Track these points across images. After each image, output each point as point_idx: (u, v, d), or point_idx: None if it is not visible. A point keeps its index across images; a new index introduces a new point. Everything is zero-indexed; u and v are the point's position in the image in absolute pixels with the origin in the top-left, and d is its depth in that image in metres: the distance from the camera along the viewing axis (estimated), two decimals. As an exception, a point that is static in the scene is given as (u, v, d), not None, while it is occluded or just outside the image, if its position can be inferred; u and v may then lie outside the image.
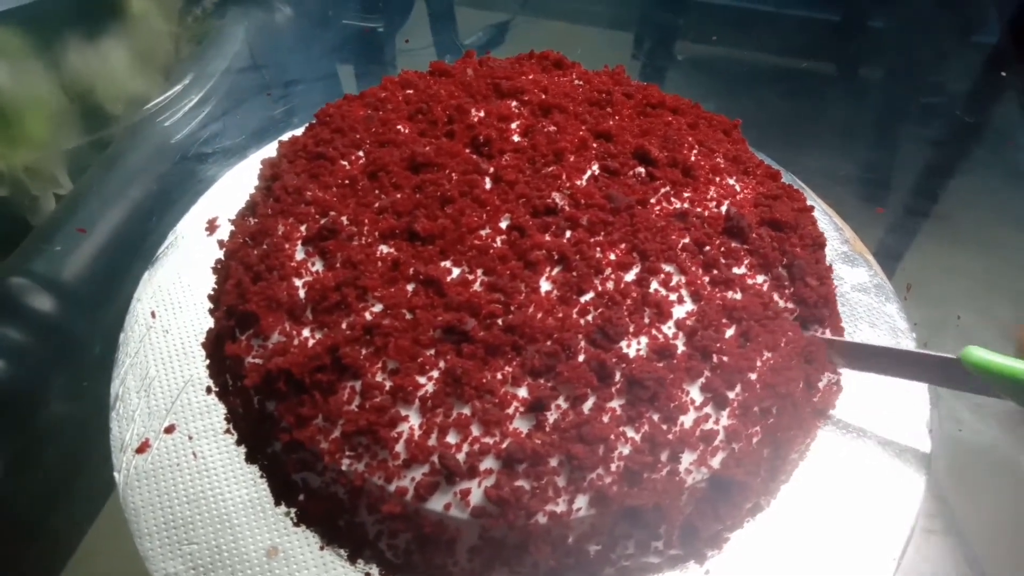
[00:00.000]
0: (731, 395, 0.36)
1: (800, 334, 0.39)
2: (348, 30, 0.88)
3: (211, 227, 0.53)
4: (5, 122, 0.65)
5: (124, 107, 0.71)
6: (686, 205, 0.43)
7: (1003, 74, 0.78)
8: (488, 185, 0.43)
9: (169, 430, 0.43)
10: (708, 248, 0.41)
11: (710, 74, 0.89)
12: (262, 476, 0.41)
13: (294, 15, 0.83)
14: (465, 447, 0.34)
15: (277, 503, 0.40)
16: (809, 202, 0.48)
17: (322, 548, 0.39)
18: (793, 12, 0.94)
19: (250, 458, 0.42)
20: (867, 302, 0.51)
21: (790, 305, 0.41)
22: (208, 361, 0.46)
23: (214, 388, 0.44)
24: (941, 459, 0.43)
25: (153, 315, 0.48)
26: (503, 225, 0.41)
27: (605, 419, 0.35)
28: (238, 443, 0.42)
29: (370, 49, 0.88)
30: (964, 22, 0.88)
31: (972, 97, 0.83)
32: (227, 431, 0.43)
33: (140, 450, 0.42)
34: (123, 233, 0.59)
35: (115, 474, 0.41)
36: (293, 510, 0.40)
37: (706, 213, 0.42)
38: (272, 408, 0.37)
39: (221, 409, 0.44)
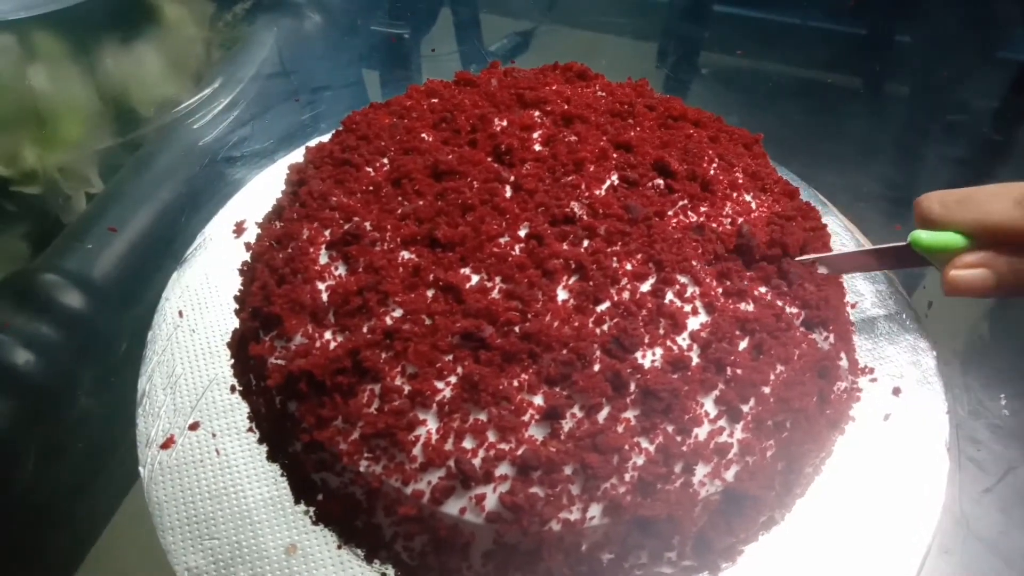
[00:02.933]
0: (745, 408, 0.36)
1: (814, 348, 0.39)
2: (375, 37, 0.89)
3: (239, 229, 0.55)
4: (41, 123, 0.67)
5: (155, 110, 0.73)
6: (702, 219, 0.43)
7: None
8: (508, 193, 0.43)
9: (193, 427, 0.44)
10: (721, 261, 0.41)
11: (734, 87, 0.88)
12: (282, 475, 0.42)
13: (323, 22, 0.85)
14: (481, 452, 0.35)
15: (296, 501, 0.41)
16: (830, 217, 0.48)
17: (339, 547, 0.39)
18: (818, 24, 0.93)
19: (271, 456, 0.43)
20: (887, 318, 0.51)
21: (794, 310, 0.41)
22: (232, 361, 0.47)
23: (238, 387, 0.45)
24: (959, 477, 0.43)
25: (181, 314, 0.49)
26: (522, 233, 0.41)
27: (619, 429, 0.35)
28: (260, 442, 0.43)
29: (395, 56, 0.90)
30: (990, 39, 0.87)
31: (997, 115, 0.82)
32: (250, 429, 0.44)
33: (165, 446, 0.43)
34: (153, 233, 0.60)
35: (140, 468, 0.42)
36: (312, 509, 0.40)
37: (720, 229, 0.43)
38: (293, 408, 0.38)
39: (244, 408, 0.45)
